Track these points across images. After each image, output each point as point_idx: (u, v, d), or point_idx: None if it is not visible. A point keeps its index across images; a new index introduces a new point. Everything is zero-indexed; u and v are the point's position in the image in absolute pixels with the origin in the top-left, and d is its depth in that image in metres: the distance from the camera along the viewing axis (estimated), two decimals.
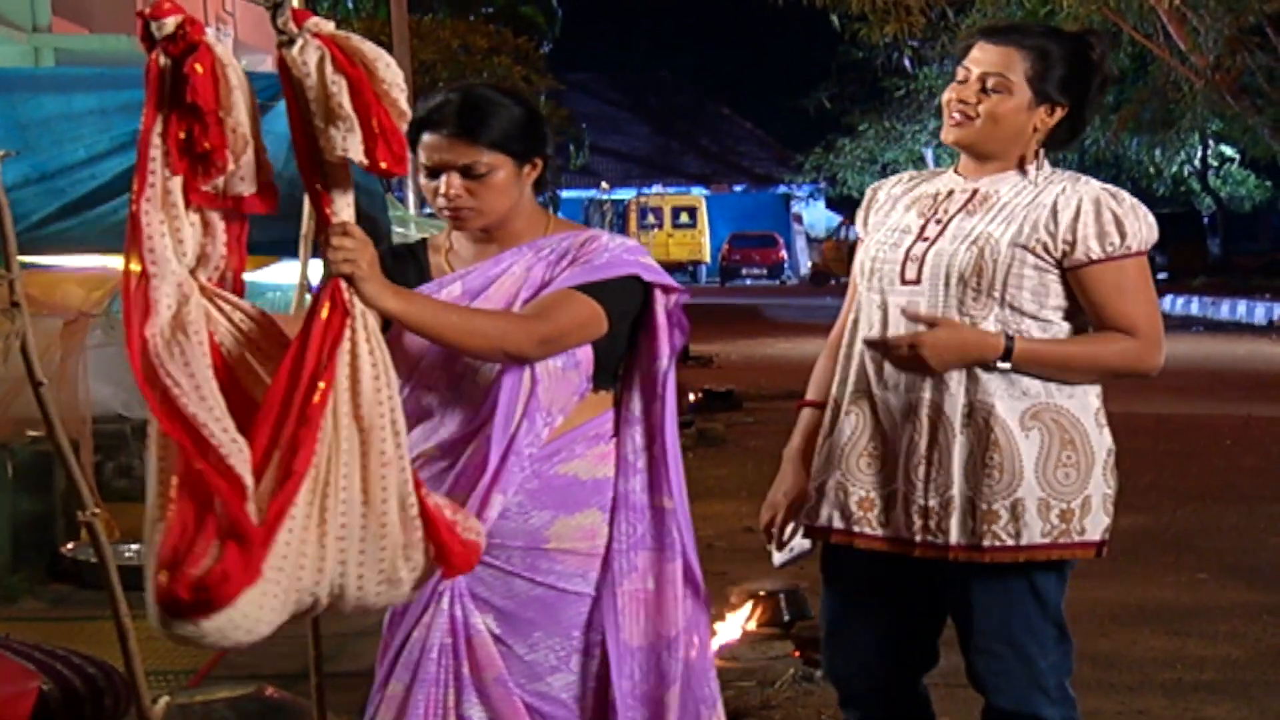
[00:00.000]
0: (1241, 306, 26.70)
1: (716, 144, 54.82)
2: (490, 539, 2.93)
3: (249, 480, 2.43)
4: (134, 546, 7.27)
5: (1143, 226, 3.17)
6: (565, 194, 45.38)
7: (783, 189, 51.70)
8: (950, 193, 3.28)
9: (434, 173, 2.97)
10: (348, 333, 2.53)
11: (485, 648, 2.97)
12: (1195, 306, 28.79)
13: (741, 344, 21.78)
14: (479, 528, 2.75)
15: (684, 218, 46.18)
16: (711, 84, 56.73)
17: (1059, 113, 3.23)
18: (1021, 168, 3.23)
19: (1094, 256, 3.13)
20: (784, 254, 47.83)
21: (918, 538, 3.18)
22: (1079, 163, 35.80)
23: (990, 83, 3.18)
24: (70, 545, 7.17)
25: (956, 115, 3.21)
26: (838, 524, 3.26)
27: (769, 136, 54.05)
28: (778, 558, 3.43)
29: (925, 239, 3.22)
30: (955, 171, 3.33)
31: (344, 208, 2.57)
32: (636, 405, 3.07)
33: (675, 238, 45.20)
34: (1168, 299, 30.43)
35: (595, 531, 3.02)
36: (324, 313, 2.52)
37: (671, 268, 40.47)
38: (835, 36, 23.05)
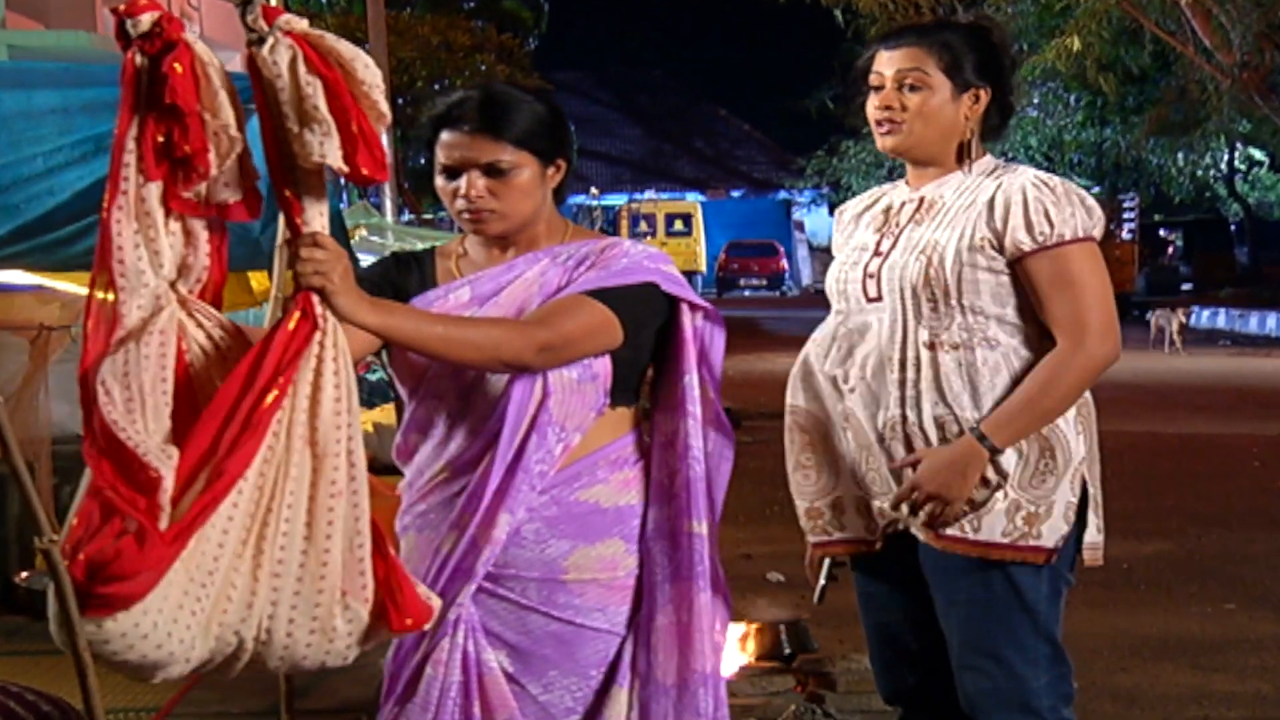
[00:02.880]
0: (1271, 319, 26.76)
1: (712, 147, 54.87)
2: (504, 569, 2.92)
3: (167, 477, 2.36)
4: None
5: (1077, 213, 3.23)
6: None
7: (783, 194, 51.75)
8: (901, 205, 3.40)
9: (454, 172, 2.95)
10: (315, 347, 2.48)
11: (498, 687, 2.94)
12: (1221, 319, 28.86)
13: (739, 359, 21.77)
14: (438, 602, 2.67)
15: (678, 225, 46.19)
16: (707, 83, 56.78)
17: (984, 98, 3.33)
18: (962, 166, 3.33)
19: (1025, 249, 3.22)
20: (785, 263, 47.90)
21: (878, 531, 3.33)
22: (1097, 165, 35.91)
23: (909, 81, 3.29)
24: (25, 574, 7.15)
25: (885, 123, 3.32)
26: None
27: (768, 139, 54.07)
28: (816, 593, 3.60)
29: (880, 254, 3.35)
30: (905, 183, 3.45)
31: (315, 217, 2.54)
32: (666, 425, 3.04)
33: (669, 246, 45.05)
34: (1192, 311, 30.51)
35: (616, 562, 2.99)
36: (291, 323, 2.48)
37: None
38: (838, 33, 23.09)
